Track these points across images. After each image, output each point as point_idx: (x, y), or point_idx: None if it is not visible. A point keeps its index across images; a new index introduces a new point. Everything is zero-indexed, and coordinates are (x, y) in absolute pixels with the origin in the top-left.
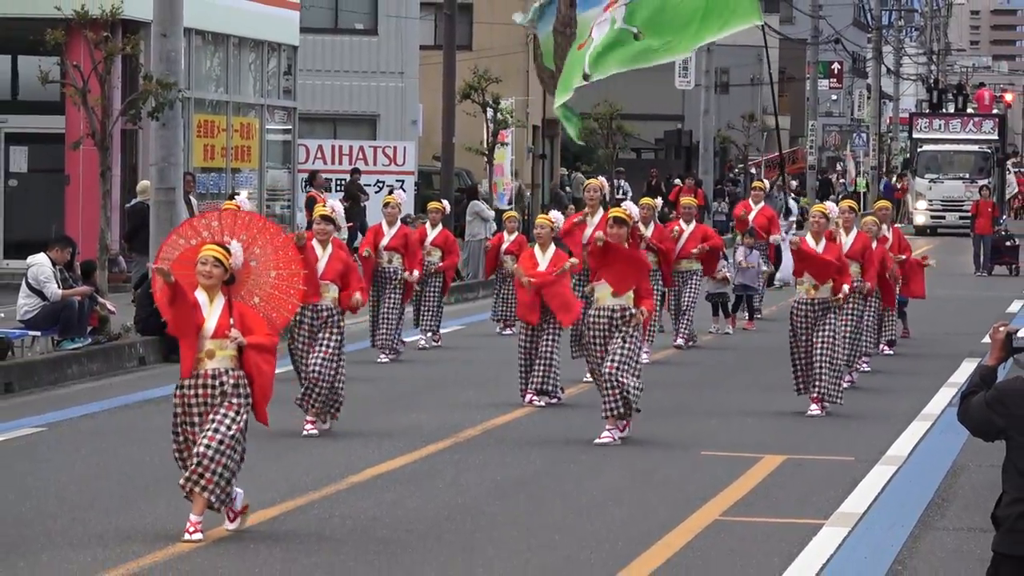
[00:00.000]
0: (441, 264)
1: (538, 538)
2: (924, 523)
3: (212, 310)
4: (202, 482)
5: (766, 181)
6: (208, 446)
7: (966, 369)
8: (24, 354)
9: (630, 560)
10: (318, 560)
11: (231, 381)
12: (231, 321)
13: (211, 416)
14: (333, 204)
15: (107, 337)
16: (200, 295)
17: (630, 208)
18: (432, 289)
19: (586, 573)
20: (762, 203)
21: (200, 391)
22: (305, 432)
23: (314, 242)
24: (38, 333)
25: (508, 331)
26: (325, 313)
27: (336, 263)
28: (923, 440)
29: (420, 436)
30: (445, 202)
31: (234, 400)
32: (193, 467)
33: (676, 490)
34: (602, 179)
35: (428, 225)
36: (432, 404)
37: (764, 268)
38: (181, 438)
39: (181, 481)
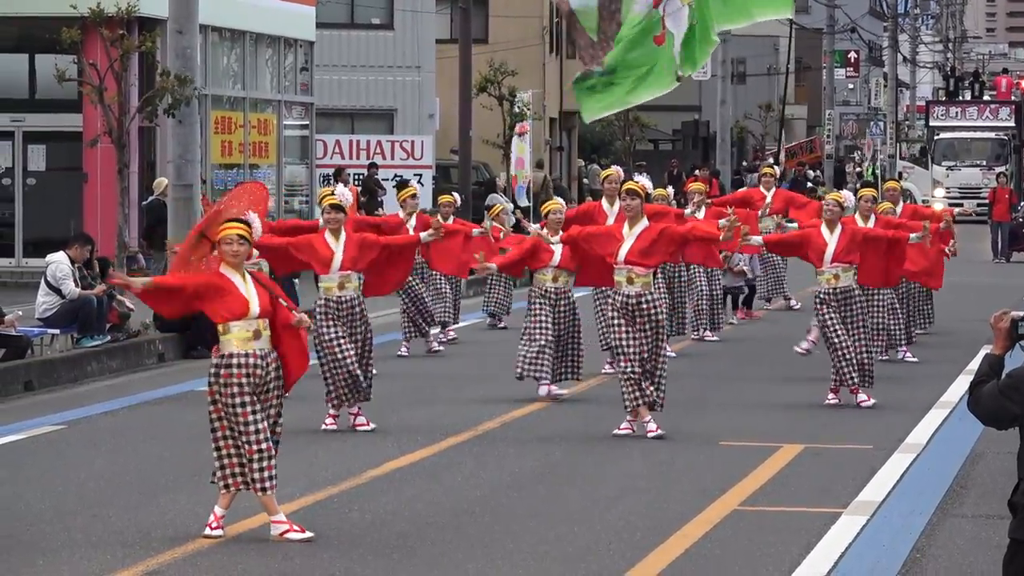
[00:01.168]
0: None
1: (556, 530)
2: (943, 511)
3: (249, 289)
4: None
5: (776, 168)
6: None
7: None
8: (44, 352)
9: (649, 551)
10: (337, 554)
11: (272, 365)
12: (281, 301)
13: (265, 413)
14: (341, 191)
15: (126, 334)
16: (234, 277)
17: (643, 181)
18: (453, 284)
19: (605, 564)
20: (774, 188)
21: (249, 370)
22: (324, 427)
23: (327, 234)
24: (57, 331)
25: (502, 324)
26: (347, 304)
27: (351, 250)
28: (941, 428)
29: (439, 430)
30: (456, 195)
31: (279, 392)
32: (267, 466)
33: (694, 481)
34: (617, 168)
35: (440, 219)
36: (450, 398)
37: (745, 268)
38: (242, 418)
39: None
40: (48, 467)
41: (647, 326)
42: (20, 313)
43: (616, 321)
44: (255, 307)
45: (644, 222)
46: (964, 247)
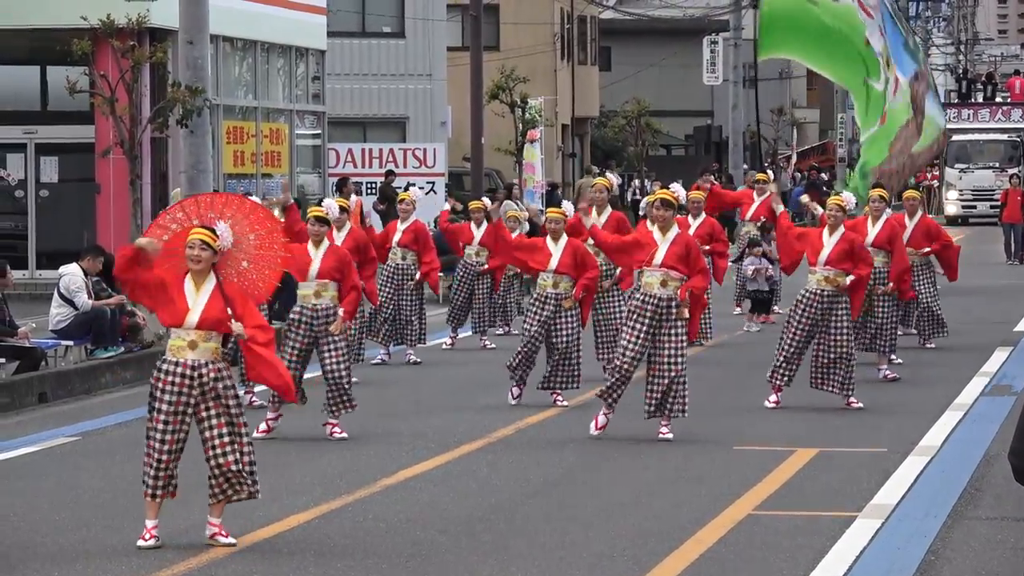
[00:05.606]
0: (489, 264)
1: (571, 536)
2: (957, 513)
3: (198, 299)
4: (249, 488)
5: (770, 172)
6: (238, 460)
7: (998, 358)
8: (57, 364)
9: (663, 556)
10: (352, 563)
11: (211, 375)
12: (229, 311)
13: (212, 424)
14: (328, 203)
15: (139, 345)
16: (187, 284)
17: (676, 190)
18: (483, 288)
19: (620, 569)
20: (767, 194)
21: (177, 379)
22: (337, 435)
23: (309, 244)
24: (71, 343)
25: (450, 342)
26: (324, 313)
27: (330, 259)
28: (955, 430)
29: (453, 437)
30: (486, 200)
31: (226, 402)
32: (230, 481)
33: (709, 486)
34: (611, 176)
35: (473, 224)
36: (464, 405)
37: (772, 272)
38: (153, 424)
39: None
40: (63, 478)
41: (672, 331)
42: (34, 325)
43: (638, 325)
44: (193, 317)
45: (675, 229)
46: (978, 249)
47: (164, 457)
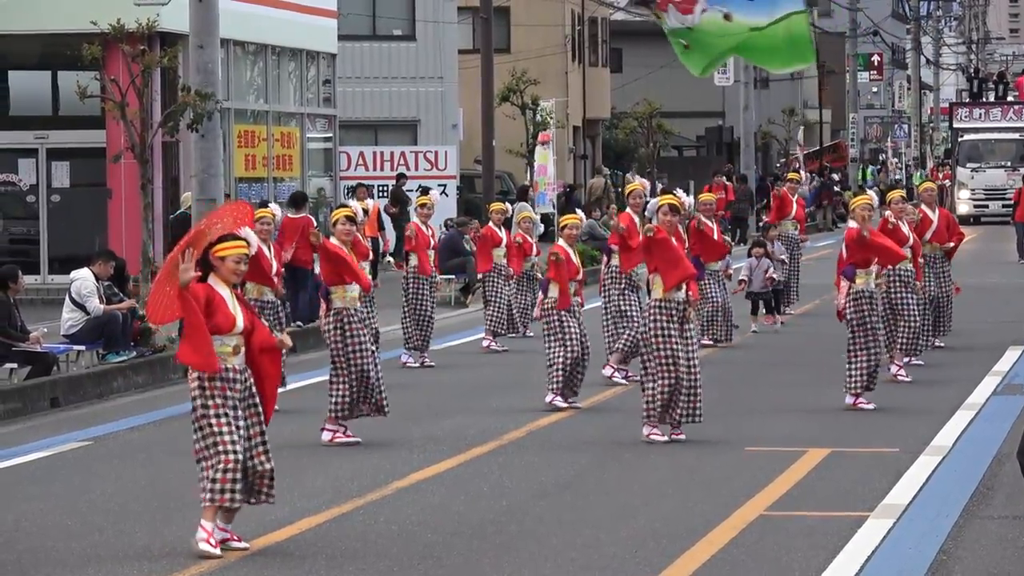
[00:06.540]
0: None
1: (583, 538)
2: (969, 512)
3: (234, 305)
4: (272, 491)
5: (803, 172)
6: (270, 460)
7: (1010, 358)
8: (69, 369)
9: (675, 557)
10: (364, 565)
11: (249, 378)
12: (260, 321)
13: (255, 430)
14: (355, 206)
15: (151, 349)
16: (223, 291)
17: (681, 195)
18: (509, 291)
19: (631, 571)
20: (797, 195)
21: (231, 385)
22: (352, 440)
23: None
24: (83, 347)
25: (496, 346)
26: (365, 316)
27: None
28: (967, 430)
29: (464, 440)
30: (507, 203)
31: (259, 407)
32: (265, 484)
33: (720, 487)
34: (642, 181)
35: (494, 227)
36: (475, 408)
37: (775, 275)
38: (230, 431)
39: (251, 500)
40: (74, 483)
41: (688, 334)
42: (45, 330)
43: (670, 331)
44: (240, 323)
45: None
46: (990, 248)
47: (239, 459)
